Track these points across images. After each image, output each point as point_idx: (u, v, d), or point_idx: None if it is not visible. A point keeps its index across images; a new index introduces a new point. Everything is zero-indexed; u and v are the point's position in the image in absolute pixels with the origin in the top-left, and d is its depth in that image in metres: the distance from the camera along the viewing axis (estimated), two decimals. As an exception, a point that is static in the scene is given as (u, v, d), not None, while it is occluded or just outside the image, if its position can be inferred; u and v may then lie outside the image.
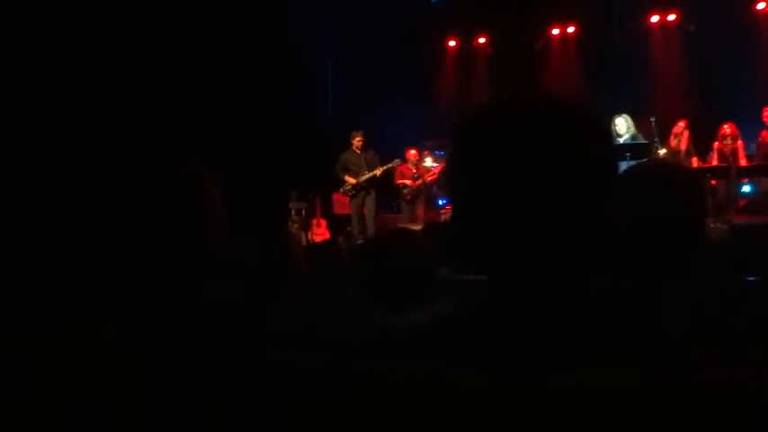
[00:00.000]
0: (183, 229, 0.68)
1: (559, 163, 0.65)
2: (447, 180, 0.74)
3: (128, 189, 0.65)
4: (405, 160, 7.90)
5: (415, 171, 7.99)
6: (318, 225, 8.44)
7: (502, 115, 0.69)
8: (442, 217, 7.56)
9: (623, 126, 6.47)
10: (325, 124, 8.96)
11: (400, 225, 6.58)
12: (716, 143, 6.84)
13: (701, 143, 6.97)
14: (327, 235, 8.34)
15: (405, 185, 7.86)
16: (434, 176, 8.13)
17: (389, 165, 7.60)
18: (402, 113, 8.98)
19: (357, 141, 7.44)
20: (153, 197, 0.66)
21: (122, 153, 0.68)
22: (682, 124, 6.92)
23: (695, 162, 6.82)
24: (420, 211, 7.91)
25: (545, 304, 0.64)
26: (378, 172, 7.39)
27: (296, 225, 8.24)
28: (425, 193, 8.07)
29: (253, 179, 7.50)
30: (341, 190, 7.67)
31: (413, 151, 8.00)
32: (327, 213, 8.56)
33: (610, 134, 0.70)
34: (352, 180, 7.44)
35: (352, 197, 7.56)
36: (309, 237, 8.24)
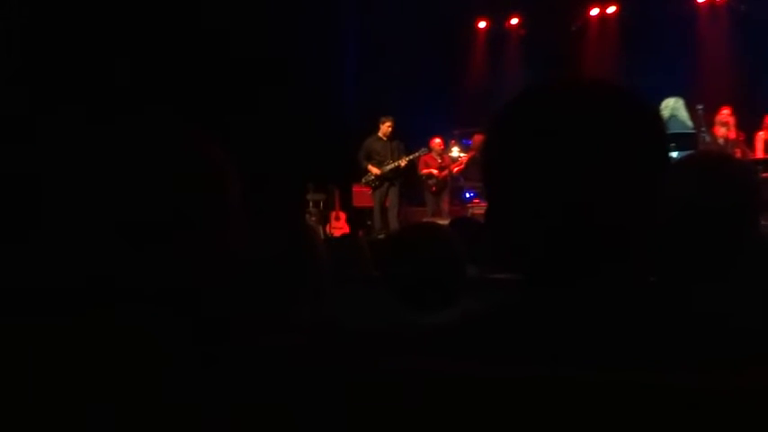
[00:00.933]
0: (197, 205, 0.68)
1: (609, 152, 0.64)
2: (483, 171, 0.73)
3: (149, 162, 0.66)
4: (429, 150, 7.90)
5: (440, 161, 7.96)
6: (337, 218, 8.44)
7: (546, 100, 0.69)
8: (469, 211, 7.52)
9: (667, 111, 6.40)
10: (347, 111, 8.95)
11: (425, 219, 6.57)
12: (761, 132, 6.70)
13: (744, 133, 6.82)
14: (347, 229, 8.35)
15: (430, 175, 7.86)
16: (461, 167, 8.12)
17: (416, 154, 7.59)
18: (427, 100, 8.95)
19: (386, 127, 7.41)
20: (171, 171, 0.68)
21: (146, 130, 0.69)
22: (726, 111, 6.75)
23: (746, 153, 6.69)
24: (445, 204, 7.89)
25: (587, 303, 0.64)
26: (402, 162, 7.39)
27: (313, 218, 8.27)
28: (451, 185, 8.06)
29: (268, 167, 7.56)
30: (363, 180, 7.65)
31: (438, 140, 7.95)
32: (347, 206, 8.57)
33: (663, 121, 0.70)
34: (375, 170, 7.44)
35: (375, 189, 7.56)
36: (327, 230, 8.26)
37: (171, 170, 0.67)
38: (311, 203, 8.50)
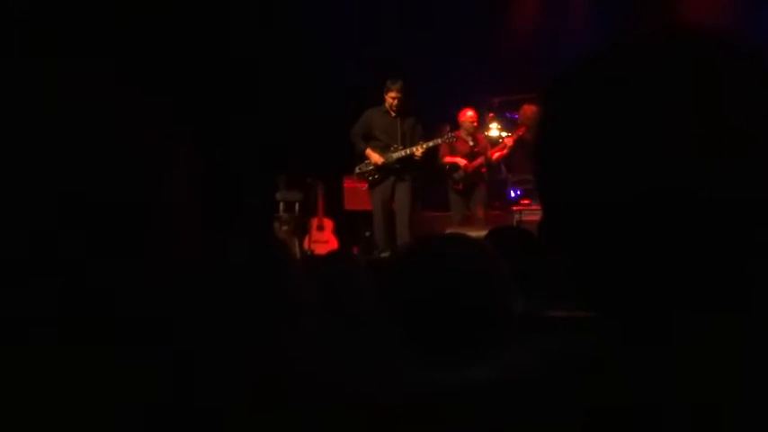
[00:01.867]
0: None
1: (725, 130, 0.65)
2: (536, 158, 0.74)
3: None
4: (455, 129, 7.93)
5: (471, 144, 8.01)
6: (321, 228, 8.53)
7: (632, 57, 0.70)
8: (515, 218, 7.55)
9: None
10: (348, 72, 8.93)
11: (450, 230, 6.58)
12: None
13: None
14: (334, 243, 8.43)
15: (456, 165, 7.92)
16: (504, 153, 8.15)
17: (437, 140, 7.65)
18: (455, 58, 9.02)
19: (391, 98, 7.42)
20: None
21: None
22: None
23: None
24: (479, 208, 7.95)
25: (719, 369, 0.62)
26: (417, 151, 7.40)
27: (285, 227, 8.31)
28: (488, 179, 8.11)
29: (217, 152, 7.63)
30: (356, 170, 7.66)
31: (469, 113, 8.00)
32: (335, 209, 8.61)
33: None
34: (376, 157, 7.46)
35: (374, 184, 7.61)
36: (307, 246, 8.32)
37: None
38: (282, 206, 8.56)
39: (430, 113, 7.88)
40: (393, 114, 7.50)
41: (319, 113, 8.54)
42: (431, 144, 7.57)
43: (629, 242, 0.67)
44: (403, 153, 7.48)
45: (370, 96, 7.71)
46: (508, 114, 8.89)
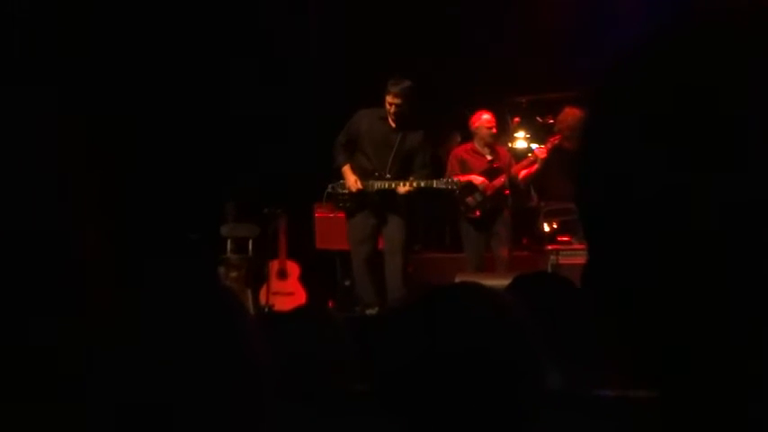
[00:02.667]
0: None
1: None
2: (579, 178, 0.75)
3: None
4: (466, 139, 7.95)
5: (490, 158, 8.06)
6: (283, 274, 8.59)
7: (721, 35, 0.71)
8: (552, 260, 7.53)
9: None
10: (324, 66, 8.95)
11: (461, 277, 6.57)
12: None
13: None
14: (302, 296, 8.48)
15: (469, 186, 7.93)
16: (534, 170, 8.15)
17: (437, 182, 7.55)
18: (466, 43, 9.08)
19: (389, 103, 7.40)
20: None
21: None
22: None
23: None
24: (502, 246, 7.97)
25: None
26: (401, 188, 7.36)
27: (235, 273, 8.28)
28: (513, 206, 8.14)
29: (145, 173, 7.62)
30: (328, 189, 7.64)
31: (485, 116, 8.06)
32: (303, 249, 8.67)
33: None
34: (352, 180, 7.47)
35: (351, 212, 7.64)
36: (264, 300, 8.35)
37: None
38: (230, 244, 8.62)
39: (432, 118, 7.90)
40: (393, 124, 7.51)
41: (281, 121, 8.57)
42: (423, 185, 7.51)
43: (722, 297, 0.67)
44: (386, 185, 7.46)
45: (356, 100, 7.78)
46: (540, 119, 8.88)
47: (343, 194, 7.54)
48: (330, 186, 7.64)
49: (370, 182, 7.48)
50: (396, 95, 7.34)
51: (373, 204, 7.50)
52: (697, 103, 0.68)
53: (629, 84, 0.73)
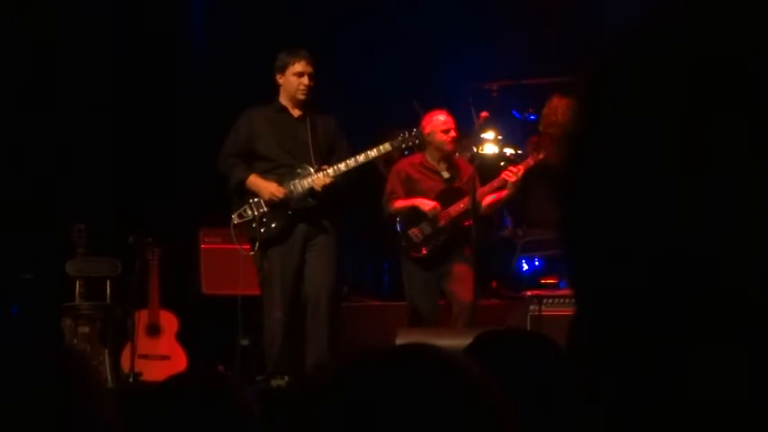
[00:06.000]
0: None
1: None
2: (561, 199, 0.77)
3: None
4: (419, 140, 7.96)
5: (447, 176, 8.19)
6: (155, 330, 8.65)
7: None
8: (532, 309, 7.59)
9: None
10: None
11: (403, 335, 6.61)
12: None
13: None
14: (181, 361, 8.56)
15: (413, 215, 8.02)
16: (510, 191, 8.15)
17: (373, 151, 7.46)
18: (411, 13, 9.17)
19: (297, 73, 7.58)
20: None
21: None
22: None
23: None
24: (463, 291, 8.02)
25: None
26: (323, 179, 7.40)
27: (86, 329, 8.21)
28: (478, 237, 8.04)
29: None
30: (234, 219, 7.51)
31: (441, 117, 8.17)
32: (182, 294, 8.82)
33: None
34: (272, 189, 7.50)
35: (268, 242, 7.65)
36: (127, 366, 8.23)
37: None
38: (79, 286, 8.50)
39: (358, 121, 7.96)
40: (296, 112, 7.69)
41: (153, 121, 8.63)
42: (361, 160, 7.65)
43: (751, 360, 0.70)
44: (318, 180, 7.54)
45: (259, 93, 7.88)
46: (517, 114, 8.94)
47: (260, 214, 7.55)
48: (236, 215, 7.66)
49: (293, 182, 7.59)
50: (308, 63, 7.59)
51: (304, 214, 7.60)
52: (729, 87, 0.70)
53: (637, 66, 0.74)
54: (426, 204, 8.00)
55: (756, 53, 0.69)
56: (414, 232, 8.03)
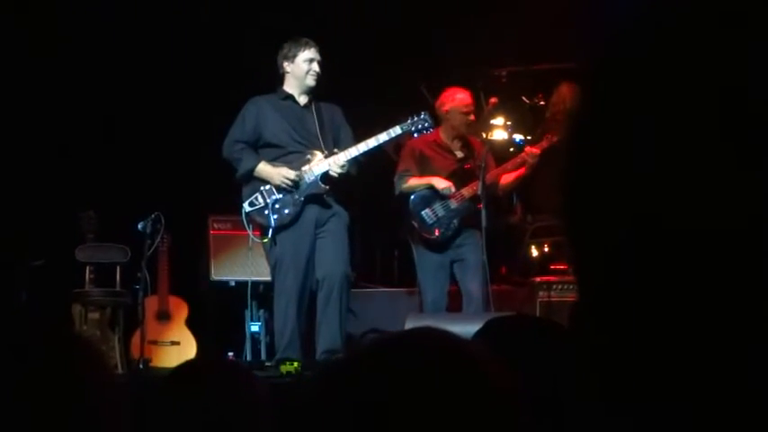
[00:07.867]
0: None
1: None
2: (563, 186, 0.78)
3: None
4: (428, 123, 7.86)
5: (461, 155, 8.17)
6: (164, 316, 8.68)
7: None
8: (541, 296, 7.54)
9: None
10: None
11: (412, 321, 6.60)
12: None
13: None
14: (191, 347, 8.57)
15: (425, 195, 8.03)
16: (522, 173, 8.15)
17: (384, 135, 7.46)
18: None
19: (308, 60, 7.60)
20: None
21: None
22: None
23: None
24: (473, 277, 7.97)
25: None
26: (332, 165, 7.44)
27: (96, 315, 8.21)
28: (492, 221, 8.08)
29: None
30: (246, 206, 7.52)
31: (460, 95, 8.12)
32: (191, 280, 8.87)
33: None
34: (284, 172, 7.53)
35: (287, 223, 7.63)
36: (137, 352, 8.25)
37: None
38: (89, 273, 8.61)
39: (366, 106, 8.01)
40: (303, 100, 7.70)
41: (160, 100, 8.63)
42: (372, 144, 7.60)
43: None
44: (327, 163, 7.54)
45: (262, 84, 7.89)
46: (527, 100, 8.90)
47: (272, 201, 7.56)
48: (247, 203, 7.65)
49: (305, 167, 7.59)
50: (317, 50, 7.62)
51: (312, 198, 7.58)
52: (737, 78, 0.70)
53: (644, 53, 0.75)
54: (441, 183, 7.94)
55: (753, 42, 0.69)
56: (426, 213, 7.96)
